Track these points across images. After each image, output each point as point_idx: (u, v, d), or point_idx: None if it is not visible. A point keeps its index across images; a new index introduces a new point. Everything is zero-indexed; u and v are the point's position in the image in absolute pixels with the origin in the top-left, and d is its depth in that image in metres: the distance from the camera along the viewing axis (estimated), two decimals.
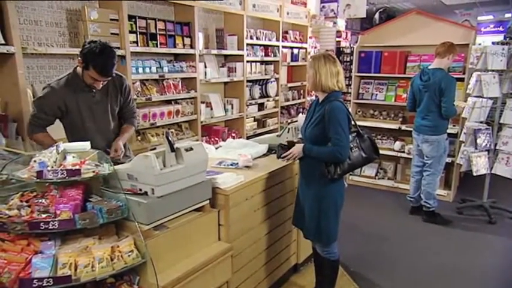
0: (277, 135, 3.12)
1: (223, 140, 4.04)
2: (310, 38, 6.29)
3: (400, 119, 5.09)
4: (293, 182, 2.86)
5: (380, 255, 3.50)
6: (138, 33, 3.44)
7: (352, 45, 7.17)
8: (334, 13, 6.93)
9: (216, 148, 3.11)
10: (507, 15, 12.67)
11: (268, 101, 5.38)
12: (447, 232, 3.95)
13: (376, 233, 3.92)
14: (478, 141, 4.09)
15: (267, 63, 5.33)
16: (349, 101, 5.43)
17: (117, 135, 2.64)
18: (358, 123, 2.52)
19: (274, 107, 5.55)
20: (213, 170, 2.47)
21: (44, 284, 1.55)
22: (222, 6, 4.33)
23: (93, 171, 1.76)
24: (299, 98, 6.23)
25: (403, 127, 4.96)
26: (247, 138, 4.58)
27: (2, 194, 1.85)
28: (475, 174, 4.14)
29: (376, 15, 11.55)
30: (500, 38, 9.19)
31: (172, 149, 1.94)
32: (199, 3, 3.98)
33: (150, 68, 3.62)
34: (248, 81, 4.95)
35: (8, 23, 2.48)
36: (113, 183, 1.93)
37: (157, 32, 3.62)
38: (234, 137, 4.50)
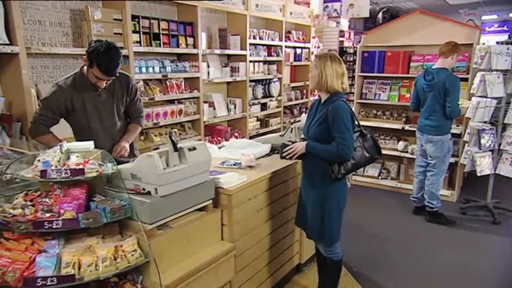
0: (280, 135, 3.12)
1: (226, 140, 4.05)
2: (313, 37, 6.28)
3: (404, 119, 5.07)
4: (296, 182, 2.86)
5: (383, 255, 3.49)
6: (141, 33, 3.44)
7: (355, 45, 7.16)
8: (337, 13, 6.93)
9: (219, 148, 3.11)
10: (511, 14, 12.61)
11: (271, 100, 5.38)
12: (451, 232, 3.93)
13: (379, 233, 3.91)
14: (482, 141, 4.07)
15: (270, 63, 5.33)
16: (352, 100, 5.42)
17: (124, 134, 2.64)
18: (361, 123, 2.52)
19: (277, 107, 5.55)
20: (216, 169, 2.47)
21: (48, 283, 1.56)
22: (225, 6, 4.33)
23: (97, 171, 1.77)
24: (302, 98, 6.22)
25: (407, 127, 4.94)
26: (250, 138, 4.58)
27: (6, 193, 1.86)
28: (479, 174, 4.12)
29: (380, 15, 11.52)
30: (504, 37, 9.13)
31: (176, 149, 1.94)
32: (202, 3, 3.98)
33: (153, 67, 3.63)
34: (251, 81, 4.95)
35: (12, 23, 2.49)
36: (116, 183, 1.93)
37: (161, 31, 3.63)
38: (236, 137, 4.50)
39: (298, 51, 5.90)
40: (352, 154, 2.31)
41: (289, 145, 2.46)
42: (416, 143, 4.28)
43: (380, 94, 5.25)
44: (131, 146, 2.75)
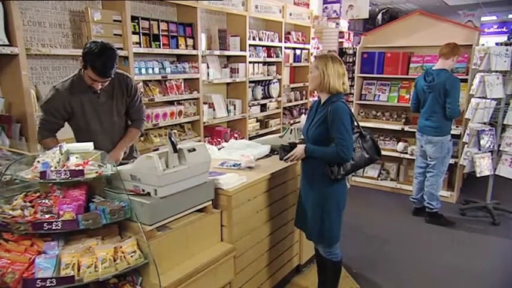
0: (280, 136, 3.13)
1: (226, 141, 4.05)
2: (313, 38, 6.29)
3: (403, 120, 5.08)
4: (295, 183, 2.86)
5: (383, 256, 3.49)
6: (141, 34, 3.45)
7: (354, 46, 7.17)
8: (337, 14, 6.93)
9: (219, 149, 3.11)
10: (511, 15, 12.62)
11: (270, 101, 5.38)
12: (450, 233, 3.93)
13: (379, 234, 3.91)
14: (482, 142, 4.07)
15: (269, 64, 5.33)
16: (352, 101, 5.43)
17: (124, 134, 2.63)
18: (360, 124, 2.52)
19: (277, 108, 5.55)
20: (215, 170, 2.47)
21: (47, 284, 1.56)
22: (225, 7, 4.33)
23: (96, 172, 1.76)
24: (301, 99, 6.23)
25: (406, 128, 4.95)
26: (250, 139, 4.58)
27: (5, 194, 1.86)
28: (478, 175, 4.12)
29: (379, 16, 11.54)
30: (503, 38, 9.13)
31: (175, 150, 1.94)
32: (202, 4, 3.99)
33: (153, 68, 3.63)
34: (250, 82, 4.96)
35: (12, 24, 2.49)
36: (116, 184, 1.93)
37: (160, 33, 3.63)
38: (236, 138, 4.50)
39: (298, 52, 5.91)
40: (351, 155, 2.31)
41: (287, 146, 2.47)
42: (416, 144, 4.29)
43: (379, 95, 5.25)
44: (131, 147, 2.74)
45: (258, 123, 5.29)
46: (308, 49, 6.14)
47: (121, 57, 3.16)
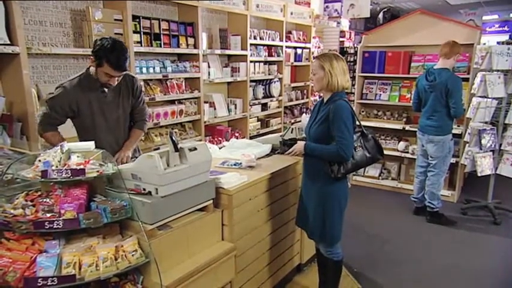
0: (281, 135, 3.12)
1: (227, 140, 4.05)
2: (314, 38, 6.29)
3: (404, 119, 5.07)
4: (296, 182, 2.86)
5: (384, 255, 3.49)
6: (141, 33, 3.45)
7: (355, 45, 7.16)
8: (338, 13, 6.92)
9: (220, 148, 3.11)
10: None
11: (271, 101, 5.38)
12: (451, 233, 3.93)
13: (380, 233, 3.91)
14: (483, 141, 4.07)
15: (270, 63, 5.33)
16: (353, 101, 5.41)
17: (129, 135, 2.64)
18: (361, 123, 2.51)
19: (278, 107, 5.55)
20: (216, 170, 2.47)
21: (49, 283, 1.56)
22: (226, 6, 4.33)
23: (98, 171, 1.77)
24: (302, 98, 6.22)
25: (407, 127, 4.94)
26: (251, 138, 4.58)
27: (7, 193, 1.86)
28: (479, 174, 4.11)
29: (380, 15, 11.51)
30: (505, 37, 9.13)
31: (176, 149, 1.94)
32: (202, 3, 3.98)
33: (154, 68, 3.63)
34: (251, 81, 4.95)
35: (13, 24, 2.49)
36: (117, 183, 1.93)
37: (161, 32, 3.63)
38: (237, 137, 4.50)
39: (299, 51, 5.90)
40: (351, 154, 2.30)
41: (288, 141, 2.49)
42: (417, 143, 4.28)
43: (380, 94, 5.24)
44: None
45: (259, 122, 5.29)
46: (309, 48, 6.13)
47: None
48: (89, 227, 1.71)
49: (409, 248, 3.63)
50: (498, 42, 6.16)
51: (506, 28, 12.48)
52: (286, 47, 5.51)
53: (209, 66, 4.27)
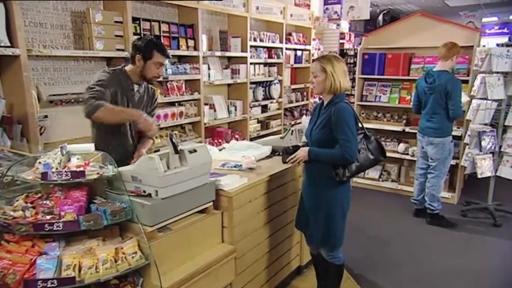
0: (281, 137, 3.13)
1: (227, 142, 4.05)
2: (314, 40, 6.30)
3: (404, 121, 5.07)
4: (296, 184, 2.85)
5: (384, 257, 3.48)
6: (142, 35, 3.45)
7: (355, 47, 7.17)
8: (338, 15, 6.93)
9: (220, 150, 3.11)
10: None
11: (271, 102, 5.38)
12: (451, 235, 3.93)
13: (380, 235, 3.91)
14: (483, 143, 4.07)
15: (270, 65, 5.34)
16: (353, 103, 5.42)
17: (139, 139, 2.63)
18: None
19: (278, 109, 5.55)
20: (216, 171, 2.47)
21: (48, 285, 1.56)
22: (226, 8, 4.34)
23: (98, 173, 1.76)
24: (302, 100, 6.23)
25: (407, 129, 4.94)
26: (251, 140, 4.58)
27: (7, 195, 1.86)
28: (479, 176, 4.11)
29: (380, 17, 11.54)
30: (505, 39, 9.13)
31: (176, 151, 1.94)
32: (202, 4, 3.99)
33: None
34: (251, 83, 4.96)
35: (13, 25, 2.50)
36: (117, 185, 1.93)
37: (161, 34, 3.64)
38: (237, 139, 4.50)
39: (299, 53, 5.91)
40: (356, 156, 2.27)
41: (290, 149, 2.45)
42: (417, 145, 4.28)
43: (380, 96, 5.25)
44: None
45: (259, 124, 5.29)
46: (309, 50, 6.14)
47: (122, 58, 3.16)
48: (89, 229, 1.71)
49: (409, 249, 3.62)
50: (498, 44, 6.18)
51: (505, 30, 12.47)
52: (286, 48, 5.52)
53: (209, 68, 4.28)
